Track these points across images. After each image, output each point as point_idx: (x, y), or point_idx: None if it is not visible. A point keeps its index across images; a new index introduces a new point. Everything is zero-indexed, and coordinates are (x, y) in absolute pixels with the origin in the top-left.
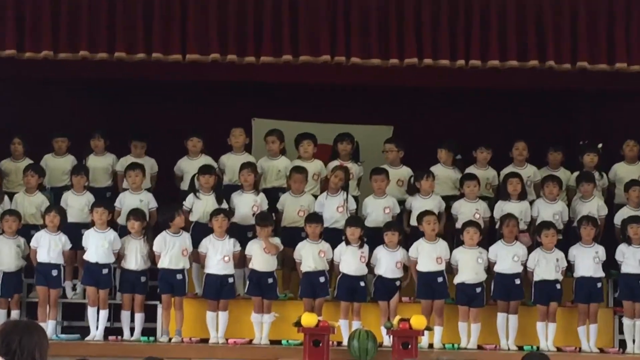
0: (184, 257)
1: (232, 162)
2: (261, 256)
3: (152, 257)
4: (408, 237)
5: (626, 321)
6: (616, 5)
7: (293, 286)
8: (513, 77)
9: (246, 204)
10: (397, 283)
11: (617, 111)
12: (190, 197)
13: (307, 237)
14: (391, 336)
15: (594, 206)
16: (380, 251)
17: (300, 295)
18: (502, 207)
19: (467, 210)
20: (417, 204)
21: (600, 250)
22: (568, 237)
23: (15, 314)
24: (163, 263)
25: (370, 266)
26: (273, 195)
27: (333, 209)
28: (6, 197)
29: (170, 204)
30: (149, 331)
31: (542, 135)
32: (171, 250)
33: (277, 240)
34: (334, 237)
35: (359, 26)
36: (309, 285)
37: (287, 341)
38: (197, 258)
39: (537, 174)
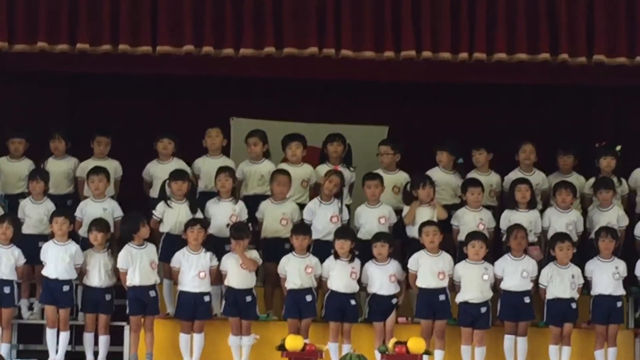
0: (154, 271)
1: (207, 166)
2: (237, 272)
3: (118, 273)
4: (406, 249)
5: None
6: None
7: (276, 305)
8: (522, 72)
9: (223, 214)
10: (394, 301)
11: (637, 109)
12: (161, 205)
13: (291, 249)
14: None
15: (614, 216)
16: (370, 267)
17: (284, 315)
18: (510, 217)
19: (470, 220)
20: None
21: (621, 266)
22: (583, 250)
23: None
24: (133, 280)
25: (361, 284)
26: (255, 203)
27: (326, 218)
28: None
29: (135, 212)
30: (114, 355)
31: (554, 136)
32: (139, 264)
33: (254, 254)
34: (326, 250)
35: (351, 15)
36: (294, 304)
37: None
38: (168, 274)
39: (546, 181)
